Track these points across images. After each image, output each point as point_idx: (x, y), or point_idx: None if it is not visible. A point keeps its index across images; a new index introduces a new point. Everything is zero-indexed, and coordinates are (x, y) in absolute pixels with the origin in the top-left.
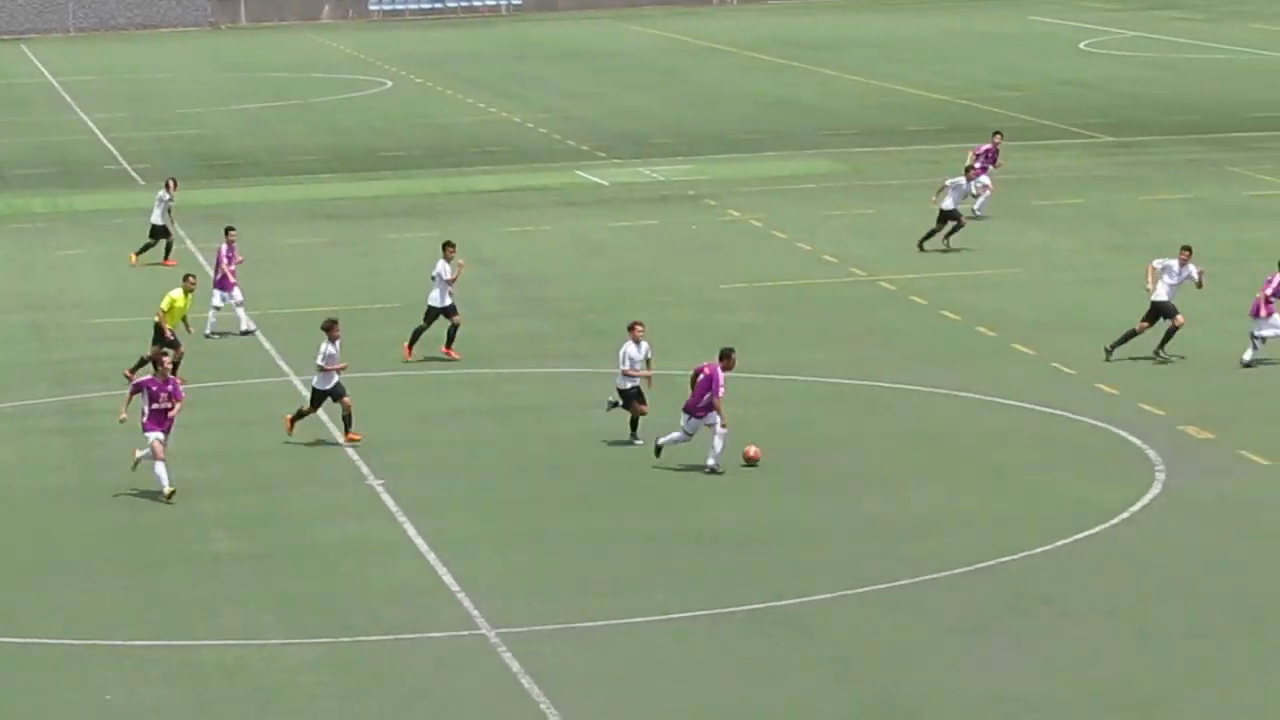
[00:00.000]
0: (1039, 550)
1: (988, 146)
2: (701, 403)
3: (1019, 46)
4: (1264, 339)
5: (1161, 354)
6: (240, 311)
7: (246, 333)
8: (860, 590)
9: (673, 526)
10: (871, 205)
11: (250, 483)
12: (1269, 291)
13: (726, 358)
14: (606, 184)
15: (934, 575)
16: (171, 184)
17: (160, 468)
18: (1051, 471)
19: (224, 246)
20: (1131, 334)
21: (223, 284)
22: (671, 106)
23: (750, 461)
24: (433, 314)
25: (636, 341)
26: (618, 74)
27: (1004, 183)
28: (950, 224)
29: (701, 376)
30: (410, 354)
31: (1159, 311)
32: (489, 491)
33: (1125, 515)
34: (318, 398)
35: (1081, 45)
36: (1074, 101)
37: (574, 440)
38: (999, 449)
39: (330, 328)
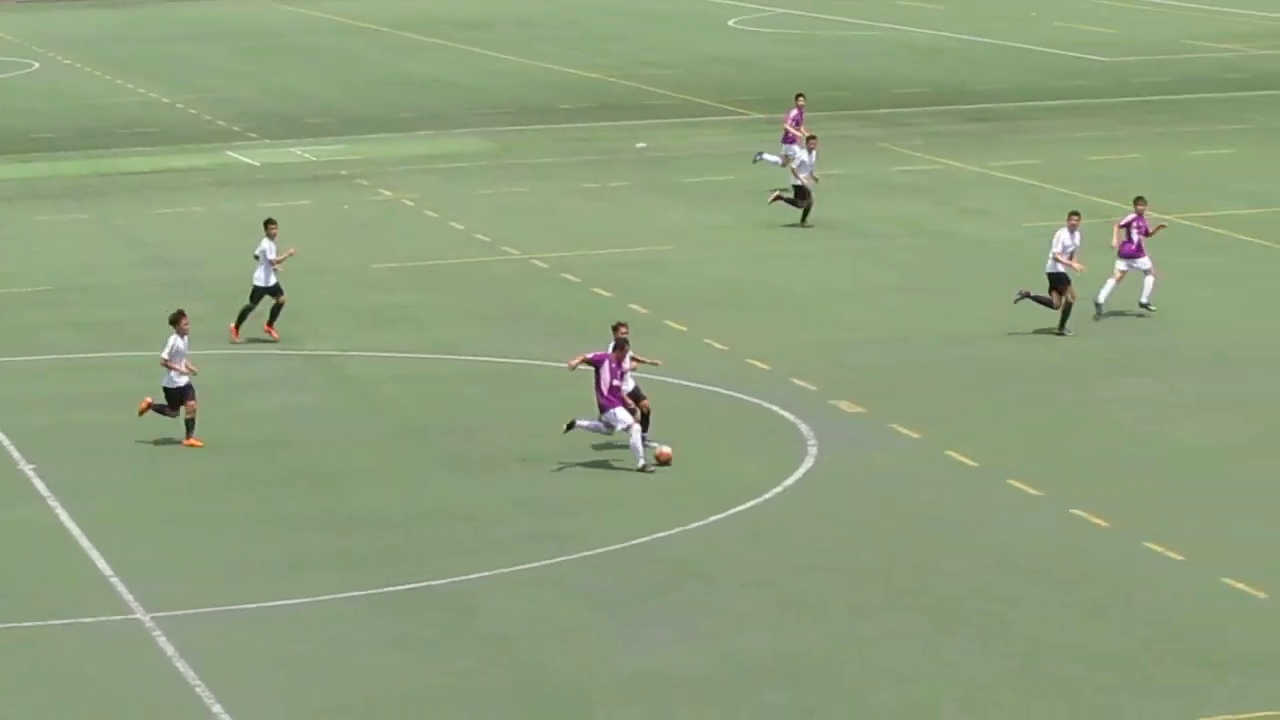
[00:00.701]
0: (693, 525)
1: (794, 111)
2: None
3: (669, 24)
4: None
5: (1066, 330)
6: None
7: None
8: (516, 568)
9: (330, 508)
10: (524, 184)
11: None
12: (1125, 226)
13: (616, 330)
14: (258, 164)
15: (589, 552)
16: None
17: None
18: (705, 447)
19: None
20: (1068, 308)
21: None
22: (323, 86)
23: (662, 461)
24: (258, 293)
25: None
26: (268, 54)
27: (655, 160)
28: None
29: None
30: (237, 335)
31: (1058, 282)
32: (144, 475)
33: (778, 490)
34: (171, 397)
35: (731, 23)
36: (724, 79)
37: (230, 423)
38: (653, 425)
39: (178, 320)
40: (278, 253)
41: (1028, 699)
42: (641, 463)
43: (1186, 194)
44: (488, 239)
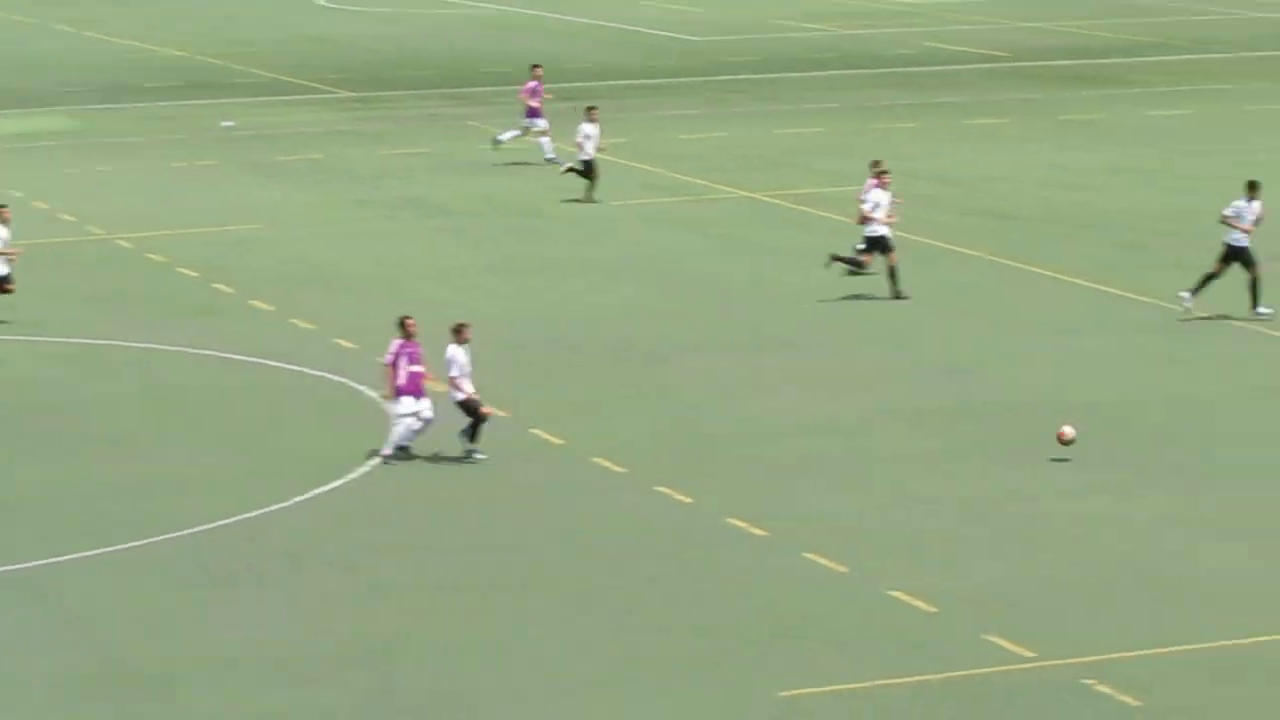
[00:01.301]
0: (278, 506)
1: (533, 84)
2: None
3: (256, 2)
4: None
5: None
6: None
7: None
8: (99, 552)
9: None
10: (109, 163)
11: None
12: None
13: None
14: None
15: (174, 534)
16: None
17: None
18: (291, 427)
19: None
20: (893, 272)
21: None
22: None
23: (1066, 442)
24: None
25: (462, 344)
26: None
27: (242, 139)
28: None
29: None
30: None
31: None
32: None
33: (364, 469)
34: None
35: (319, 1)
36: (312, 57)
37: None
38: (238, 406)
39: None
40: (8, 244)
41: (607, 676)
42: (389, 451)
43: (772, 172)
44: (72, 218)
